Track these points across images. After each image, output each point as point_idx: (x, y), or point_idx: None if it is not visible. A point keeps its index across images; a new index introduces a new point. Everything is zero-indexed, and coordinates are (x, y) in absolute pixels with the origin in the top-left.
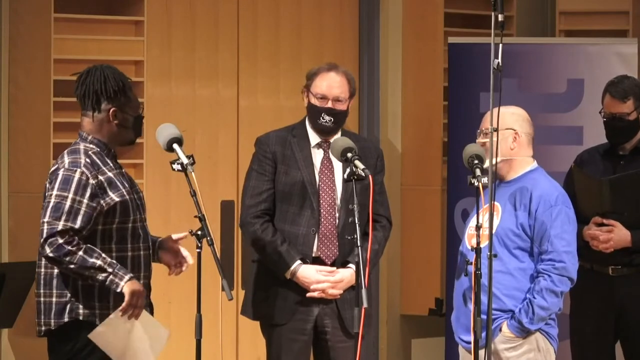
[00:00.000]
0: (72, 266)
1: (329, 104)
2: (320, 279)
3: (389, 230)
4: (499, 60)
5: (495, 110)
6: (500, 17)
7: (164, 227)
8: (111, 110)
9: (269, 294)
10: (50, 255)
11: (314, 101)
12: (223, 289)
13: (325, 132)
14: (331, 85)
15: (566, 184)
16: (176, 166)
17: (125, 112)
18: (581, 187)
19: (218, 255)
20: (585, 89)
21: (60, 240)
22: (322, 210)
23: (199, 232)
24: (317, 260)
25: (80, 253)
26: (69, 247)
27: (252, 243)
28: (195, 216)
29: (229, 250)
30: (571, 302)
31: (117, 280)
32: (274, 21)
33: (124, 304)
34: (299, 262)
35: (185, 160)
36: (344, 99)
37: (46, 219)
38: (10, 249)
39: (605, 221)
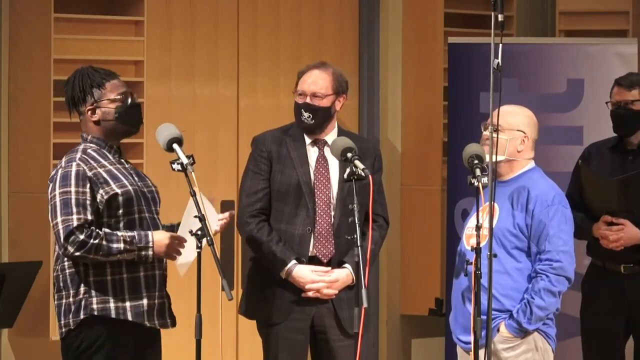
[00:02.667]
0: (99, 258)
1: (307, 100)
2: (315, 279)
3: (385, 229)
4: (499, 60)
5: (497, 109)
6: (500, 17)
7: None
8: (87, 109)
9: (266, 294)
10: (76, 254)
11: (296, 98)
12: (223, 289)
13: (309, 131)
14: (309, 81)
15: (574, 181)
16: (176, 166)
17: (103, 106)
18: (589, 185)
19: (218, 255)
20: (585, 89)
21: (81, 236)
22: (317, 209)
23: (199, 232)
24: (313, 259)
25: (104, 243)
26: (92, 241)
27: (248, 243)
28: (195, 216)
29: (229, 250)
30: (582, 300)
31: (144, 253)
32: (274, 21)
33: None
34: (294, 262)
35: (185, 160)
36: (322, 94)
37: (59, 219)
38: (10, 249)
39: (615, 220)
